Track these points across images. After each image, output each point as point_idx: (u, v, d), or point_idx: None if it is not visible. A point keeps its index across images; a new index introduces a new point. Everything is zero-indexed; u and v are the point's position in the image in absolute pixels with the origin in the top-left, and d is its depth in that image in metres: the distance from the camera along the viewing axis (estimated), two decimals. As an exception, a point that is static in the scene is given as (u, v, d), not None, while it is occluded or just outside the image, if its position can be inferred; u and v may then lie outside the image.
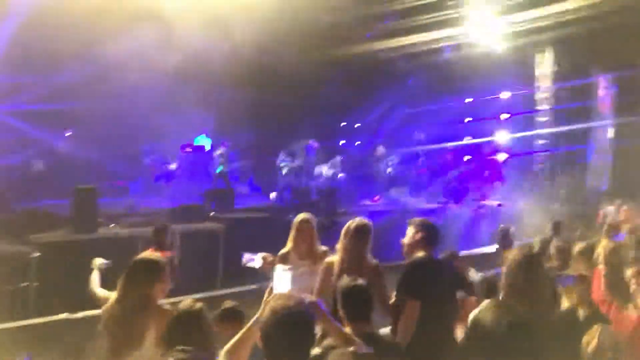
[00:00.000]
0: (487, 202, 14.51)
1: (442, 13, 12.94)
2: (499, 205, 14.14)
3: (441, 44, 14.09)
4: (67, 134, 11.98)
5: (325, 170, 14.42)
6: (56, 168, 11.20)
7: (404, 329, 3.14)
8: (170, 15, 10.58)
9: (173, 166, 12.90)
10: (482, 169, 16.30)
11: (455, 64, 15.19)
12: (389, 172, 16.38)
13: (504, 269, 2.94)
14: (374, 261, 3.81)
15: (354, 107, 17.59)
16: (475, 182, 15.86)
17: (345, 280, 2.87)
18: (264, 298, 2.43)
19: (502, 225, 4.37)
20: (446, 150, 17.13)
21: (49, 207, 8.64)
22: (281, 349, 1.99)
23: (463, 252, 7.03)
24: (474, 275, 4.86)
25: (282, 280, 2.46)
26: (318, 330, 2.72)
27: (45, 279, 6.63)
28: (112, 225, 8.18)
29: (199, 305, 2.53)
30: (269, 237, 4.61)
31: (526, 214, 12.62)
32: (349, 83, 16.75)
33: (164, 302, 3.04)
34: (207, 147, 13.47)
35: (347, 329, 2.64)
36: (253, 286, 5.56)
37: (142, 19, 10.70)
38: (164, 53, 11.68)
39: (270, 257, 3.47)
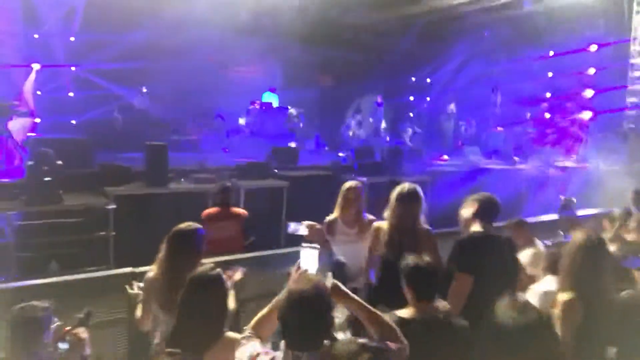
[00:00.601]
0: (568, 164, 13.58)
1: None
2: (582, 167, 13.19)
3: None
4: (143, 90, 12.44)
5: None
6: (133, 123, 11.77)
7: (453, 302, 3.04)
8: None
9: (242, 122, 13.14)
10: (564, 128, 15.23)
11: (536, 15, 14.01)
12: (462, 130, 15.77)
13: (565, 251, 2.74)
14: (426, 227, 3.71)
15: (426, 62, 16.86)
16: (555, 142, 14.88)
17: (410, 259, 2.80)
18: (291, 275, 2.40)
19: (563, 198, 4.04)
20: (525, 107, 16.12)
21: (125, 160, 9.14)
22: (296, 332, 2.02)
23: (533, 219, 6.67)
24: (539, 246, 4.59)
25: (308, 259, 2.39)
26: (340, 313, 2.70)
27: (120, 230, 7.09)
28: (182, 180, 8.52)
29: (216, 270, 2.55)
30: (331, 196, 4.57)
31: (611, 178, 11.71)
32: (420, 37, 16.02)
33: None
34: (275, 104, 13.54)
35: (411, 309, 2.67)
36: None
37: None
38: (233, 8, 11.72)
39: (317, 225, 3.46)
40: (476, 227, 3.32)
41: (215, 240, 5.28)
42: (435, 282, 2.76)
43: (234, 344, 2.29)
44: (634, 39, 14.44)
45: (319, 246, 2.39)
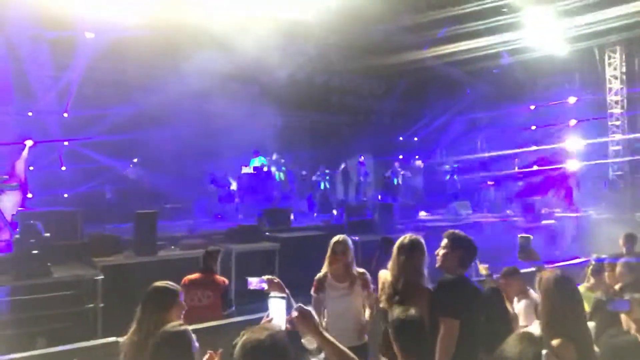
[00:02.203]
0: (557, 213, 13.67)
1: (500, 18, 12.58)
2: (574, 216, 13.26)
3: (499, 49, 13.63)
4: (134, 161, 12.63)
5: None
6: (123, 194, 11.85)
7: (442, 351, 2.97)
8: (227, 42, 10.99)
9: (233, 187, 13.26)
10: (552, 179, 15.45)
11: (515, 70, 14.65)
12: (451, 181, 15.98)
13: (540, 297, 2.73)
14: (428, 287, 3.51)
15: (412, 121, 17.36)
16: (544, 193, 15.04)
17: (397, 311, 2.71)
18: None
19: (521, 235, 4.05)
20: (512, 160, 16.43)
21: (117, 230, 9.12)
22: None
23: (527, 270, 6.63)
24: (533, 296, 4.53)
25: (276, 308, 2.37)
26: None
27: (109, 301, 6.95)
28: (173, 247, 8.48)
29: (183, 327, 2.52)
30: (323, 256, 4.55)
31: (602, 225, 11.77)
32: (404, 97, 16.59)
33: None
34: (265, 167, 13.75)
35: None
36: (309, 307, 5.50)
37: (203, 47, 11.23)
38: (221, 77, 12.15)
39: (275, 279, 3.39)
40: (456, 271, 3.27)
41: (192, 307, 5.15)
42: (422, 337, 2.65)
43: None
44: (610, 89, 15.01)
45: (286, 295, 2.38)
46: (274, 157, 13.85)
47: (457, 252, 3.30)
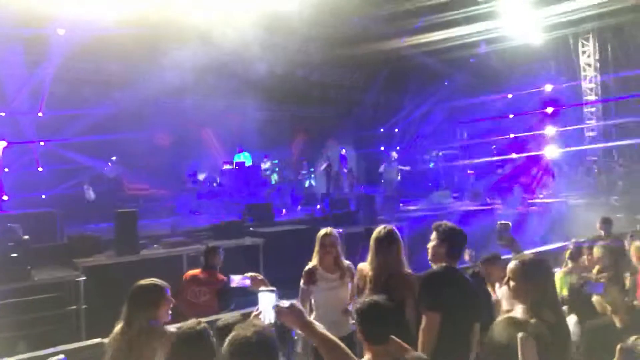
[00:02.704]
0: (536, 200, 13.91)
1: (475, 7, 12.69)
2: (552, 202, 13.51)
3: (475, 39, 13.77)
4: (112, 159, 12.45)
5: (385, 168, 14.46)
6: (104, 193, 11.69)
7: (423, 343, 3.00)
8: (206, 37, 10.87)
9: (215, 183, 13.19)
10: (530, 165, 15.71)
11: (491, 59, 14.82)
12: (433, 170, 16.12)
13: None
14: (408, 271, 3.65)
15: (392, 113, 17.45)
16: (523, 179, 15.29)
17: (363, 298, 2.69)
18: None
19: (500, 222, 4.13)
20: (490, 148, 16.65)
21: (97, 230, 8.99)
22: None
23: (508, 256, 6.75)
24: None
25: (266, 302, 2.38)
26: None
27: (92, 302, 6.87)
28: (155, 245, 8.39)
29: (202, 325, 2.52)
30: (308, 250, 4.55)
31: (580, 210, 12.02)
32: (384, 89, 16.66)
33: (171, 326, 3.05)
34: (248, 162, 13.68)
35: (367, 354, 2.44)
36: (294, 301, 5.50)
37: (180, 42, 11.09)
38: (200, 72, 12.02)
39: (259, 276, 3.38)
40: (442, 262, 3.30)
41: (189, 303, 5.14)
42: (386, 323, 2.49)
43: None
44: (584, 77, 15.28)
45: (275, 289, 2.38)
46: (267, 164, 13.80)
47: (444, 244, 3.32)
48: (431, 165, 16.35)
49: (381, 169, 14.69)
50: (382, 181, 14.71)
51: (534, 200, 13.71)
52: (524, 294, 2.62)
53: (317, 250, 4.24)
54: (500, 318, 2.65)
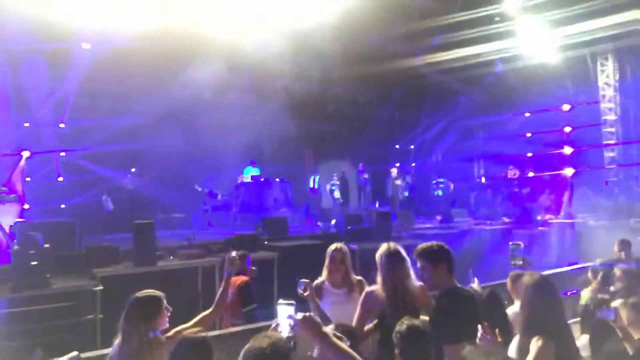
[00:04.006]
0: (554, 220, 13.73)
1: (492, 26, 12.74)
2: (570, 222, 13.32)
3: (492, 57, 13.79)
4: (132, 171, 12.64)
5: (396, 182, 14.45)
6: (122, 204, 11.85)
7: None
8: (224, 52, 11.06)
9: (230, 196, 13.30)
10: (547, 185, 15.55)
11: (508, 77, 14.80)
12: (439, 194, 16.06)
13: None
14: (419, 284, 3.53)
15: (408, 130, 17.47)
16: (540, 199, 15.13)
17: (403, 321, 2.67)
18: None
19: (512, 243, 4.11)
20: (507, 167, 16.54)
21: (115, 241, 9.10)
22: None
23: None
24: None
25: (285, 315, 2.41)
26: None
27: (108, 312, 6.93)
28: (171, 257, 8.47)
29: (202, 334, 2.55)
30: (321, 264, 4.59)
31: (598, 232, 11.83)
32: (400, 106, 16.71)
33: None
34: (262, 178, 13.79)
35: None
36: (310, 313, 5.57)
37: (199, 58, 11.30)
38: (217, 87, 12.20)
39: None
40: (446, 284, 3.23)
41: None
42: (427, 347, 2.56)
43: None
44: (603, 96, 15.17)
45: (294, 302, 2.41)
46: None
47: (441, 266, 3.23)
48: (439, 193, 16.27)
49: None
50: (389, 197, 14.70)
51: (550, 221, 13.54)
52: (529, 311, 2.64)
53: (326, 265, 4.28)
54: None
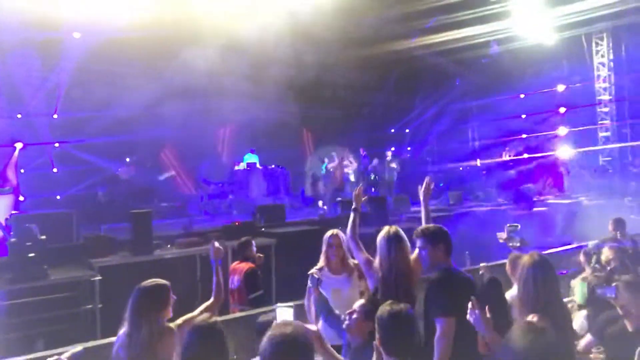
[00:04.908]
0: (549, 200, 13.81)
1: (487, 7, 12.65)
2: (566, 202, 13.39)
3: (487, 39, 13.72)
4: (127, 161, 12.59)
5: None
6: (118, 194, 11.83)
7: (442, 352, 2.94)
8: (217, 38, 10.94)
9: (226, 184, 13.29)
10: (542, 166, 15.60)
11: (503, 59, 14.76)
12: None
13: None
14: (416, 270, 3.57)
15: (403, 113, 17.43)
16: (535, 181, 15.19)
17: (385, 306, 2.55)
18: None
19: (509, 225, 4.16)
20: (503, 149, 16.57)
21: (112, 231, 9.11)
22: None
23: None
24: None
25: (285, 317, 2.45)
26: None
27: (107, 301, 6.97)
28: (169, 246, 8.49)
29: (213, 319, 2.56)
30: (319, 250, 4.62)
31: (593, 211, 11.90)
32: (395, 90, 16.65)
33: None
34: (257, 164, 13.76)
35: None
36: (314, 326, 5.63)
37: (192, 44, 11.18)
38: (212, 73, 12.09)
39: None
40: (443, 265, 3.28)
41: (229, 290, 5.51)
42: (409, 335, 2.49)
43: None
44: (597, 77, 15.15)
45: (292, 304, 2.45)
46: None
47: (440, 246, 3.28)
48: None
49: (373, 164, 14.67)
50: (379, 181, 14.68)
51: (546, 201, 13.62)
52: (526, 289, 2.68)
53: (324, 252, 4.30)
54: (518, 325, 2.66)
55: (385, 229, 3.73)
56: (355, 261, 4.25)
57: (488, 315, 2.72)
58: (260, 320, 3.17)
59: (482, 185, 15.68)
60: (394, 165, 15.29)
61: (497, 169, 16.28)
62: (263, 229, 9.73)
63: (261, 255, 6.18)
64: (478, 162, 17.12)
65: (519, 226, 4.02)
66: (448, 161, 16.72)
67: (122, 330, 3.06)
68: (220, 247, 3.78)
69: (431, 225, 3.45)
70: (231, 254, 8.08)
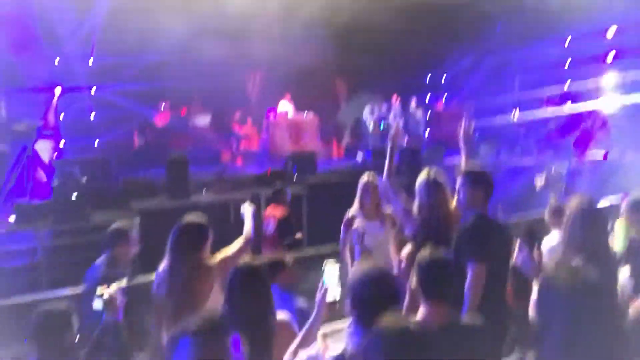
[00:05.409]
0: (591, 154, 13.31)
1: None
2: (605, 157, 12.90)
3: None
4: (162, 106, 12.67)
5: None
6: (154, 140, 12.01)
7: (472, 298, 2.92)
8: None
9: (258, 132, 13.32)
10: (586, 118, 14.94)
11: (548, 2, 13.82)
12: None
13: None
14: (456, 215, 3.51)
15: (440, 60, 16.81)
16: (577, 133, 14.60)
17: (425, 251, 2.49)
18: (317, 300, 2.49)
19: (548, 176, 4.02)
20: (544, 99, 15.89)
21: (149, 176, 9.32)
22: (371, 306, 1.99)
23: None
24: None
25: (331, 273, 2.47)
26: None
27: (146, 244, 7.22)
28: (204, 191, 8.67)
29: (257, 262, 2.60)
30: (351, 200, 4.62)
31: (637, 165, 11.45)
32: (432, 36, 15.97)
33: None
34: (290, 112, 13.66)
35: (423, 308, 2.40)
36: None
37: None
38: (244, 19, 11.85)
39: None
40: (477, 210, 3.19)
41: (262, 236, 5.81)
42: (448, 281, 2.43)
43: (289, 326, 2.47)
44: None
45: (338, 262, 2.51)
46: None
47: (480, 189, 3.19)
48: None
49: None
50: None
51: (588, 155, 13.13)
52: (571, 233, 2.66)
53: (358, 197, 4.27)
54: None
55: (425, 171, 3.65)
56: (389, 211, 4.23)
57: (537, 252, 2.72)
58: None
59: (521, 137, 15.21)
60: (418, 114, 14.92)
61: (537, 121, 15.69)
62: (295, 179, 9.79)
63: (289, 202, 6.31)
64: (516, 114, 16.54)
65: (561, 174, 3.88)
66: (485, 112, 16.18)
67: (162, 267, 3.16)
68: (252, 206, 3.80)
69: (476, 166, 3.34)
70: (264, 201, 8.24)
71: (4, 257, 6.64)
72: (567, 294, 1.96)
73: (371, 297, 2.03)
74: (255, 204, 6.12)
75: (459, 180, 3.33)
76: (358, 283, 2.08)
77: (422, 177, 3.60)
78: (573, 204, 2.93)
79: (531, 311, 2.44)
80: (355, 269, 2.17)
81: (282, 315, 2.55)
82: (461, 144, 3.98)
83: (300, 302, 3.82)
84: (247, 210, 3.73)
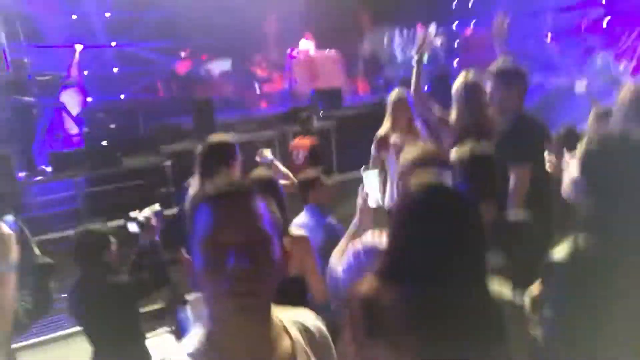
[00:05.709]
0: (630, 68, 12.56)
1: None
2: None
3: None
4: (182, 55, 12.56)
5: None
6: (178, 88, 11.99)
7: (516, 199, 2.79)
8: None
9: (280, 73, 13.13)
10: (627, 36, 14.01)
11: None
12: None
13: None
14: (496, 120, 3.30)
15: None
16: (618, 53, 13.72)
17: (465, 147, 2.30)
18: (359, 205, 2.40)
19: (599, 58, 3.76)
20: (579, 14, 14.92)
21: (175, 121, 9.37)
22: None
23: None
24: None
25: (370, 180, 2.39)
26: None
27: (179, 186, 7.34)
28: (230, 132, 8.65)
29: (269, 173, 2.58)
30: (377, 130, 4.50)
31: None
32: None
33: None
34: (312, 50, 13.33)
35: None
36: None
37: None
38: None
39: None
40: (515, 109, 3.02)
41: (292, 166, 5.85)
42: (493, 176, 2.24)
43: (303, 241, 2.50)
44: None
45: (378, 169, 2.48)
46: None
47: (512, 89, 3.02)
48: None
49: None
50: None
51: (627, 69, 12.41)
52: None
53: (388, 115, 4.12)
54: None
55: (463, 74, 3.46)
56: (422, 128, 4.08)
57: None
58: None
59: (554, 56, 14.43)
60: (438, 42, 14.26)
61: (572, 39, 14.79)
62: (321, 114, 9.66)
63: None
64: (549, 35, 15.64)
65: (610, 57, 3.62)
66: (517, 35, 15.34)
67: (192, 190, 3.16)
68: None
69: (510, 63, 3.11)
70: (292, 136, 8.19)
71: (45, 205, 6.87)
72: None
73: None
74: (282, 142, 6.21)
75: (489, 83, 3.15)
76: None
77: (460, 80, 3.41)
78: (627, 88, 2.60)
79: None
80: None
81: (298, 231, 2.52)
82: (494, 40, 3.75)
83: (331, 219, 3.81)
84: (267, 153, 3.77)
